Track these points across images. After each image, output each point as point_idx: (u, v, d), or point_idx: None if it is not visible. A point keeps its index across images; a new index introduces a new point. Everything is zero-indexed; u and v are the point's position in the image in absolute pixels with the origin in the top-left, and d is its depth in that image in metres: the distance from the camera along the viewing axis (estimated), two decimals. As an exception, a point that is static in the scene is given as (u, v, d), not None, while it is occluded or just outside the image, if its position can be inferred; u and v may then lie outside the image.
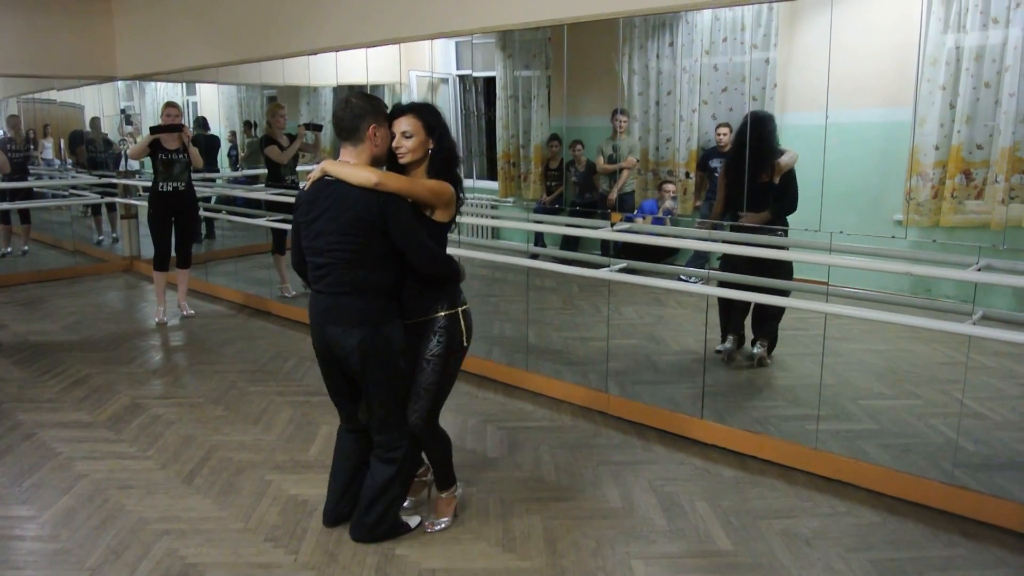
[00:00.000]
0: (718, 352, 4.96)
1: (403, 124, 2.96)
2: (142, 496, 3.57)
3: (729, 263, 4.59)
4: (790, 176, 4.50)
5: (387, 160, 3.03)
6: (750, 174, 4.36)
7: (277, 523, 3.33)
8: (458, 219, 3.16)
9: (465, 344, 3.14)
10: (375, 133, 2.91)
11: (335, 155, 3.05)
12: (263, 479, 3.73)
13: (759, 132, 4.44)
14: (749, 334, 4.98)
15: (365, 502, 3.15)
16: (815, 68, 4.00)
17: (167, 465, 3.90)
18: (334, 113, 2.98)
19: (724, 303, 4.85)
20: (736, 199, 4.50)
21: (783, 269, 4.38)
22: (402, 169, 3.02)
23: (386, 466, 3.11)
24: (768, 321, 4.82)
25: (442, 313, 3.06)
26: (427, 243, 2.96)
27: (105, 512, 3.43)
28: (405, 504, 3.36)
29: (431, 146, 2.99)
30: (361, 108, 2.90)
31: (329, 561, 3.04)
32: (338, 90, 7.10)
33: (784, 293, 4.27)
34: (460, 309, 3.10)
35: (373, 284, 2.94)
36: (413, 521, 3.29)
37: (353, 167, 2.89)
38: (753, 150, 4.33)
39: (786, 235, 4.42)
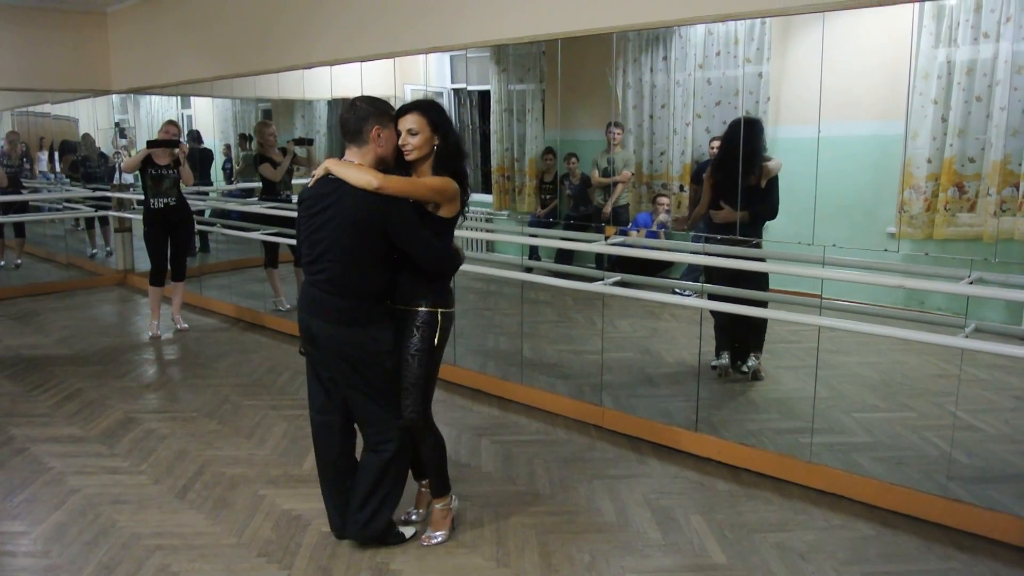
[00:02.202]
0: (714, 368, 4.95)
1: (408, 122, 3.00)
2: (135, 511, 3.55)
3: (712, 275, 4.59)
4: (774, 182, 4.52)
5: (394, 159, 3.05)
6: (738, 178, 4.38)
7: (271, 538, 3.32)
8: (465, 213, 3.18)
9: (439, 343, 3.14)
10: (379, 134, 2.95)
11: None
12: (256, 494, 3.72)
13: (747, 135, 4.46)
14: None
15: (358, 500, 3.15)
16: (808, 82, 4.01)
17: (160, 480, 3.88)
18: (340, 115, 3.03)
19: (722, 317, 4.84)
20: (718, 201, 4.53)
21: (759, 280, 4.41)
22: (409, 166, 3.06)
23: (376, 459, 3.10)
24: (760, 332, 4.82)
25: (423, 308, 3.09)
26: (431, 241, 3.00)
27: (97, 527, 3.41)
28: (413, 516, 3.40)
29: (436, 142, 3.03)
30: (365, 110, 2.95)
31: (322, 576, 3.03)
32: (333, 103, 7.12)
33: (762, 304, 4.30)
34: (440, 311, 3.11)
35: (365, 287, 2.99)
36: (408, 531, 3.30)
37: (356, 168, 2.92)
38: (741, 153, 4.34)
39: (759, 246, 4.43)
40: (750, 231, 4.45)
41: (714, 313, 4.67)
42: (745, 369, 4.86)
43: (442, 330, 3.13)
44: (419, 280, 3.09)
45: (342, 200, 2.90)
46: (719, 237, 4.41)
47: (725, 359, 4.92)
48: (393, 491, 3.18)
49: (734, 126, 4.63)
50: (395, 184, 2.90)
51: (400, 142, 3.01)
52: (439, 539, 3.27)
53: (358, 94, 5.53)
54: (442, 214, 3.05)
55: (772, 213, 4.49)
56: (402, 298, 3.12)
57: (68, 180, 9.45)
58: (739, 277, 4.30)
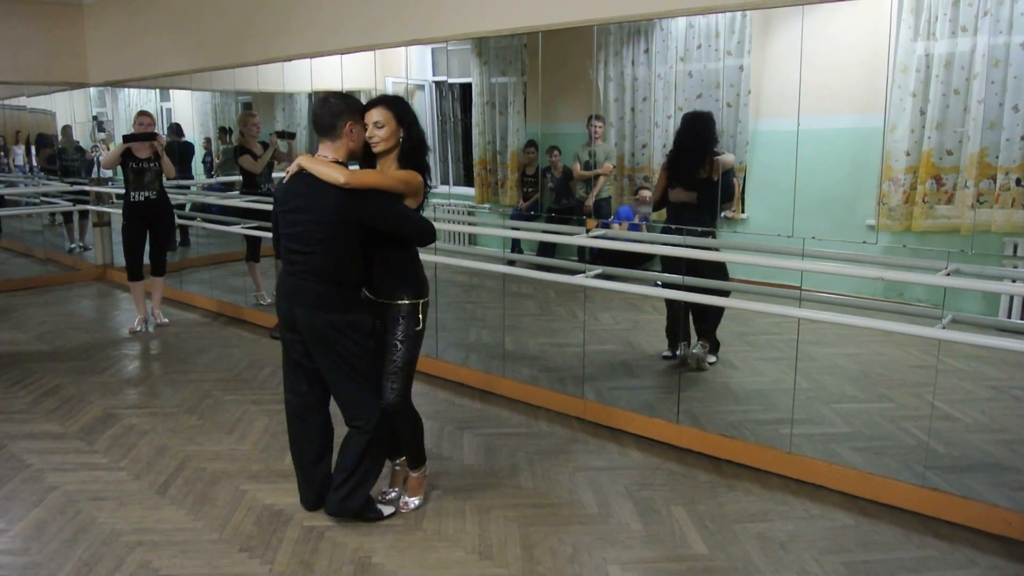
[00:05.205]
0: (666, 358, 5.01)
1: (375, 115, 3.15)
2: (115, 508, 3.53)
3: (671, 265, 4.60)
4: (728, 174, 4.59)
5: (362, 153, 3.21)
6: (689, 170, 4.45)
7: (252, 533, 3.31)
8: (425, 206, 3.34)
9: (421, 329, 3.31)
10: (351, 130, 3.11)
11: None
12: (238, 489, 3.70)
13: (696, 130, 4.53)
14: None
15: (339, 478, 3.28)
16: (788, 75, 4.04)
17: (140, 476, 3.85)
18: (312, 111, 3.17)
19: (677, 311, 4.88)
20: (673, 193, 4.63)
21: (719, 270, 4.45)
22: (375, 158, 3.20)
23: (358, 439, 3.24)
24: (709, 321, 4.84)
25: (405, 302, 3.24)
26: (412, 214, 3.17)
27: (77, 525, 3.38)
28: (391, 494, 3.51)
29: (401, 135, 3.17)
30: (339, 106, 3.10)
31: (305, 571, 3.02)
32: (313, 96, 7.07)
33: (724, 293, 4.33)
34: (421, 302, 3.27)
35: (343, 275, 3.12)
36: (387, 510, 3.40)
37: (326, 164, 3.05)
38: (692, 147, 4.40)
39: (715, 235, 4.48)
40: (706, 216, 4.50)
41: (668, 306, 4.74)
42: (691, 355, 4.85)
43: (423, 318, 3.29)
44: (396, 274, 3.25)
45: (318, 196, 3.04)
46: (685, 229, 4.44)
47: (682, 349, 4.96)
48: (372, 469, 3.31)
49: (685, 121, 4.71)
50: (362, 178, 3.04)
51: (367, 134, 3.15)
52: (415, 504, 3.46)
53: (338, 88, 5.55)
54: (407, 204, 3.19)
55: (727, 197, 4.58)
56: (382, 293, 3.26)
57: (44, 174, 9.34)
58: (697, 268, 4.34)
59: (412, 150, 3.20)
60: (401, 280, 3.24)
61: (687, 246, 4.31)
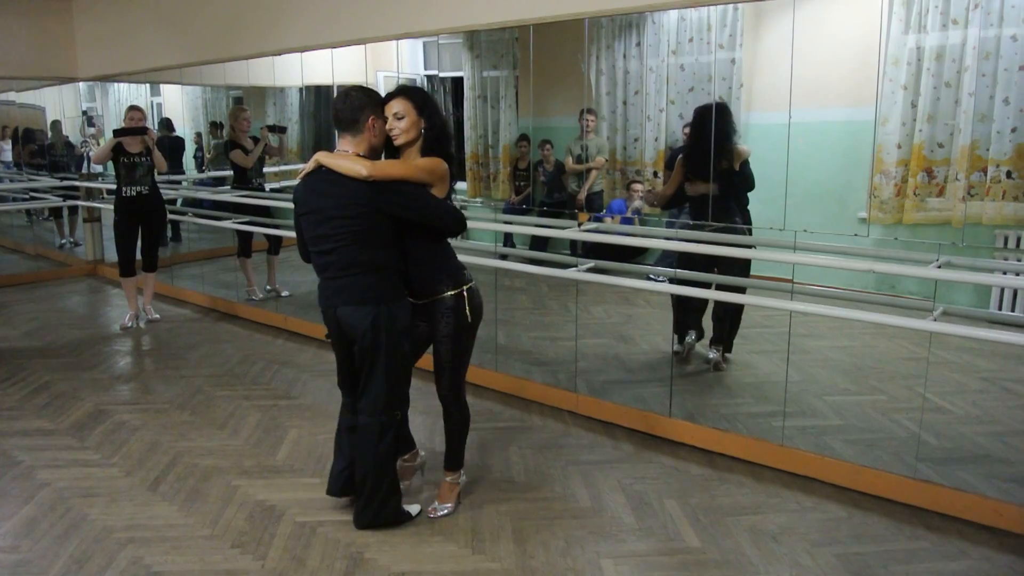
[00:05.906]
0: (676, 353, 5.00)
1: (395, 107, 3.09)
2: (106, 504, 3.51)
3: (689, 260, 4.59)
4: (746, 164, 4.56)
5: (383, 147, 3.14)
6: (708, 161, 4.41)
7: (244, 529, 3.29)
8: (452, 196, 3.25)
9: (471, 321, 3.23)
10: (374, 124, 3.03)
11: (302, 157, 3.10)
12: (230, 485, 3.69)
13: (714, 120, 4.49)
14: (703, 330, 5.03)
15: (366, 489, 3.20)
16: (779, 68, 4.04)
17: (132, 472, 3.84)
18: (333, 105, 3.08)
19: (682, 301, 4.87)
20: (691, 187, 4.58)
21: (741, 266, 4.43)
22: (397, 152, 3.14)
23: (374, 447, 3.15)
24: (729, 320, 4.83)
25: (448, 293, 3.17)
26: (439, 201, 3.10)
27: (68, 521, 3.37)
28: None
29: (423, 126, 3.11)
30: (360, 100, 3.02)
31: (297, 566, 3.02)
32: (304, 91, 7.05)
33: (740, 290, 4.32)
34: (464, 288, 3.20)
35: (379, 263, 3.05)
36: (414, 509, 3.35)
37: (346, 158, 2.98)
38: (708, 140, 4.36)
39: (750, 232, 4.45)
40: (734, 204, 4.47)
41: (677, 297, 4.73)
42: (707, 359, 4.87)
43: (473, 307, 3.21)
44: (432, 267, 3.17)
45: (341, 191, 2.97)
46: (691, 222, 4.42)
47: (691, 337, 4.94)
48: (394, 474, 3.26)
49: (701, 112, 4.66)
50: (384, 169, 2.97)
51: (387, 127, 3.07)
52: (446, 511, 3.36)
53: (330, 81, 5.52)
54: (434, 193, 3.11)
55: (751, 186, 4.53)
56: (423, 291, 3.19)
57: (29, 169, 9.28)
58: (718, 263, 4.32)
59: (435, 139, 3.12)
60: (438, 271, 3.17)
61: (686, 240, 4.31)
